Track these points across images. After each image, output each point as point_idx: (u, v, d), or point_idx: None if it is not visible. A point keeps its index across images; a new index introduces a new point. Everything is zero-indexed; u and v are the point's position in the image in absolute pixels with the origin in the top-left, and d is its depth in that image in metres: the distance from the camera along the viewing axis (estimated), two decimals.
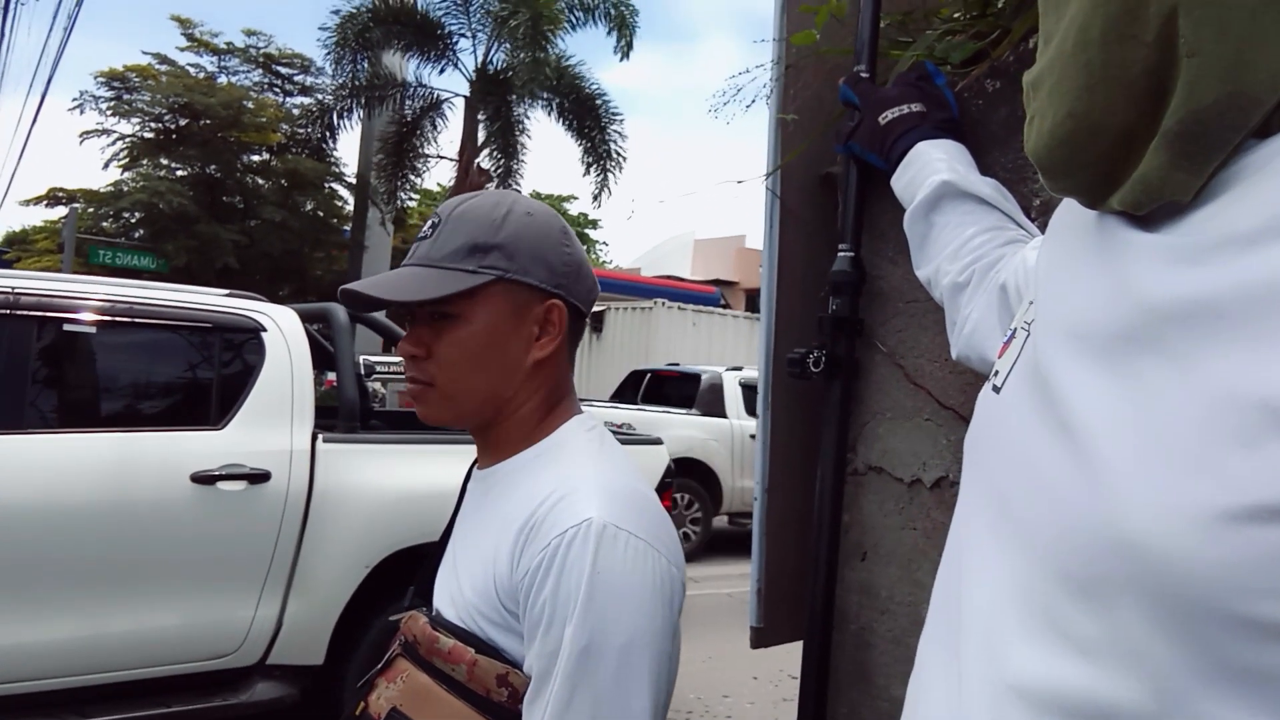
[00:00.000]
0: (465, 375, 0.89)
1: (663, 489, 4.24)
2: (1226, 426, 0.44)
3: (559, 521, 0.81)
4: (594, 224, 37.25)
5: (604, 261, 35.96)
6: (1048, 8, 0.58)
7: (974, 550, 0.62)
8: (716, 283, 24.51)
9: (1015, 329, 0.66)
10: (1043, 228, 1.06)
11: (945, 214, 1.08)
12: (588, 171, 15.83)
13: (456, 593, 0.90)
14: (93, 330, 3.18)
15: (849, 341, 1.29)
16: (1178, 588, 0.45)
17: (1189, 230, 0.51)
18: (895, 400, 1.28)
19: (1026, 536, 0.55)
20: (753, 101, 1.43)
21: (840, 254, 1.29)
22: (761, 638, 1.43)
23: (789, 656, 1.49)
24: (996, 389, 0.65)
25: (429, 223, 0.93)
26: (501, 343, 0.89)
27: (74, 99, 17.17)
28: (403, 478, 3.43)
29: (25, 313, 3.00)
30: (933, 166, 1.11)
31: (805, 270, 1.42)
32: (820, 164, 1.46)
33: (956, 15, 1.32)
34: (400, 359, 0.99)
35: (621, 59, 15.51)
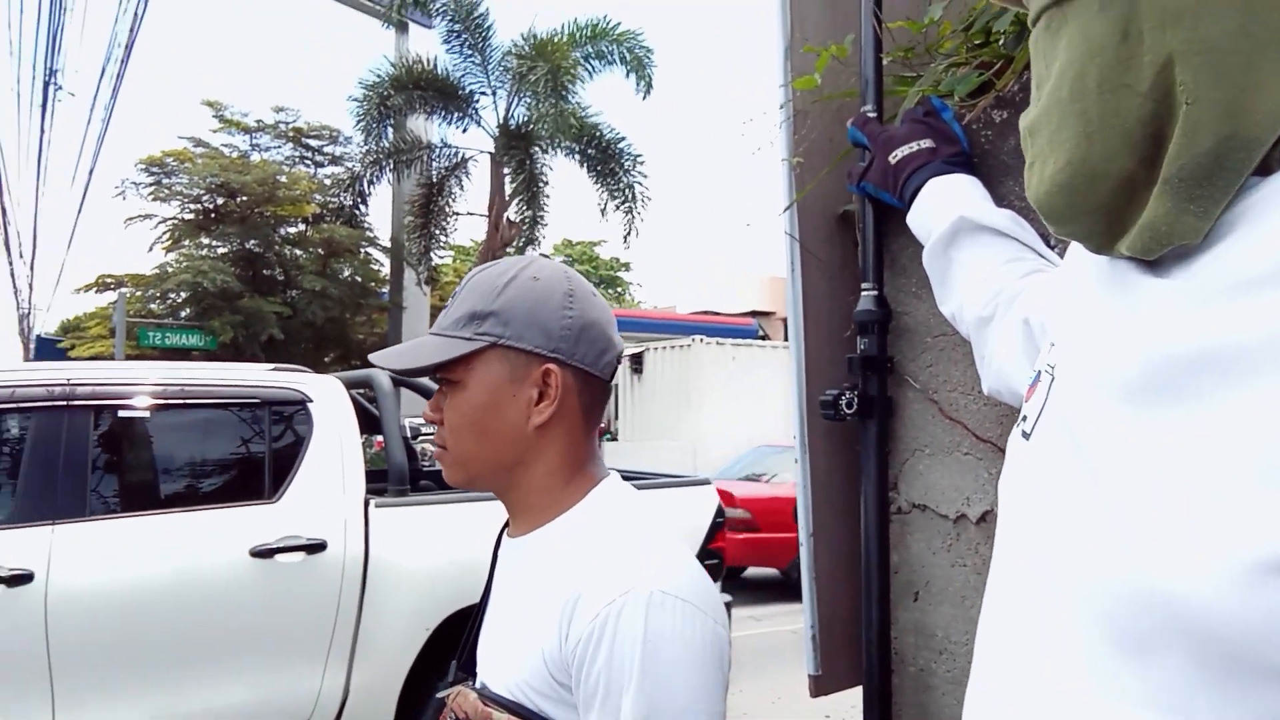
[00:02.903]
0: (468, 440, 0.92)
1: (714, 529, 4.22)
2: (1253, 475, 0.44)
3: (605, 590, 0.81)
4: (625, 266, 37.50)
5: (638, 302, 36.09)
6: (1037, 53, 0.59)
7: (1014, 599, 0.61)
8: (753, 314, 24.46)
9: (1039, 372, 0.66)
10: (1063, 254, 1.06)
11: (964, 248, 1.08)
12: (603, 214, 16.02)
13: (502, 665, 0.90)
14: (147, 414, 3.27)
15: (880, 380, 1.28)
16: (1219, 642, 0.44)
17: (1198, 274, 0.51)
18: (932, 436, 1.27)
19: (1066, 589, 0.55)
20: (759, 149, 1.45)
21: (864, 293, 1.30)
22: (820, 685, 1.41)
23: (860, 693, 1.46)
24: (1026, 435, 0.64)
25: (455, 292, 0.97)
26: (498, 408, 0.90)
27: (116, 187, 17.79)
28: (456, 536, 3.46)
29: (82, 403, 3.10)
30: (947, 201, 1.11)
31: (830, 310, 1.43)
32: (836, 203, 1.46)
33: (959, 47, 1.33)
34: None
35: (644, 98, 15.74)
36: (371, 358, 0.97)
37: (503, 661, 0.90)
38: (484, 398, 0.91)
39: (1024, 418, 0.66)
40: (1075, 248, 0.69)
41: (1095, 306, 0.60)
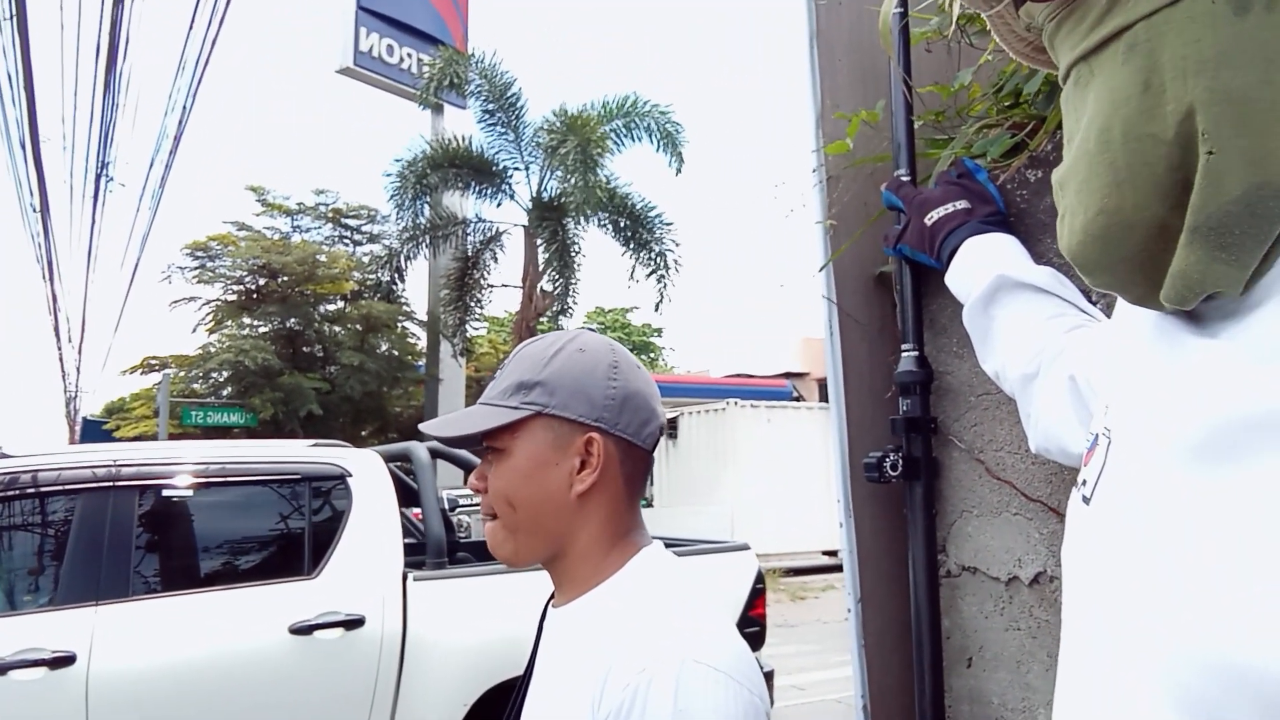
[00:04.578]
0: (512, 506, 0.92)
1: (754, 595, 4.14)
2: None
3: (636, 659, 0.80)
4: (658, 332, 37.70)
5: (671, 367, 36.17)
6: (1068, 109, 0.59)
7: (1083, 667, 0.60)
8: (786, 375, 24.38)
9: (1096, 435, 0.64)
10: (1106, 309, 1.05)
11: (1004, 306, 1.07)
12: (631, 278, 16.15)
13: None
14: (190, 493, 3.31)
15: (925, 441, 1.27)
16: None
17: (1249, 333, 0.50)
18: (980, 496, 1.25)
19: (1133, 656, 0.53)
20: (792, 211, 1.46)
21: (904, 353, 1.29)
22: None
23: None
24: (1086, 499, 0.63)
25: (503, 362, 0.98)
26: (542, 476, 0.91)
27: (163, 271, 18.35)
28: (494, 609, 3.43)
29: (126, 483, 3.15)
30: (985, 260, 1.11)
31: (870, 372, 1.42)
32: (872, 265, 1.47)
33: (990, 109, 1.35)
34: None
35: (677, 173, 15.94)
36: (421, 427, 0.98)
37: None
38: (528, 465, 0.91)
39: (1083, 481, 0.65)
40: (1122, 307, 0.68)
41: (1148, 368, 0.59)
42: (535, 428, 0.91)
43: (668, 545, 0.98)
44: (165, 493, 3.25)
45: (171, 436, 15.70)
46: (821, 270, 1.43)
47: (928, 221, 1.19)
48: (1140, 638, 0.52)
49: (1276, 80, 0.46)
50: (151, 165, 9.04)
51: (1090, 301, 1.06)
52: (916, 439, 1.27)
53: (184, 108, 7.42)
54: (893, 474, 1.25)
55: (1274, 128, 0.47)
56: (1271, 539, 0.45)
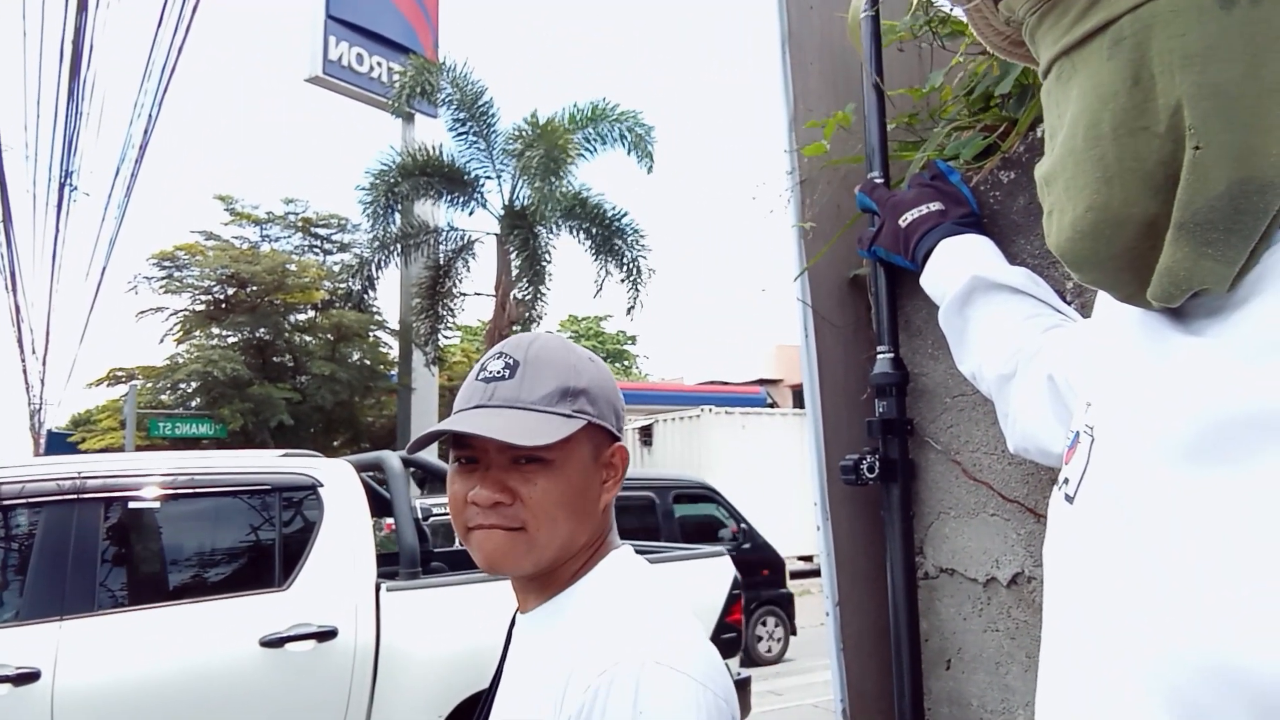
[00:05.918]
0: (557, 520, 0.86)
1: (730, 602, 4.14)
2: None
3: (598, 661, 0.79)
4: (632, 339, 37.70)
5: (645, 374, 36.17)
6: (1050, 104, 0.59)
7: (1068, 668, 0.59)
8: (760, 382, 24.47)
9: (1077, 433, 0.64)
10: (1082, 309, 1.05)
11: (979, 307, 1.07)
12: (599, 288, 16.16)
13: None
14: (157, 505, 3.25)
15: (901, 443, 1.27)
16: None
17: (1237, 331, 0.50)
18: (957, 498, 1.25)
19: (1121, 657, 0.53)
20: (771, 212, 1.46)
21: (880, 355, 1.29)
22: None
23: None
24: (1069, 498, 0.62)
25: (500, 362, 0.90)
26: (588, 487, 0.89)
27: (129, 282, 18.06)
28: (468, 619, 3.40)
29: (92, 496, 3.08)
30: (960, 261, 1.11)
31: (846, 374, 1.42)
32: (846, 268, 1.47)
33: (961, 112, 1.35)
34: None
35: (648, 171, 15.97)
36: (460, 425, 0.85)
37: None
38: (579, 478, 0.88)
39: (1065, 480, 0.64)
40: (1102, 306, 0.68)
41: (1132, 366, 0.59)
42: (581, 438, 0.88)
43: (644, 552, 0.97)
44: (132, 505, 3.19)
45: (139, 448, 15.45)
46: (799, 277, 1.42)
47: (902, 223, 1.19)
48: (1127, 638, 0.52)
49: (1261, 74, 0.46)
50: (117, 174, 8.91)
51: (1065, 301, 1.07)
52: (893, 441, 1.27)
53: (150, 115, 7.32)
54: (869, 476, 1.25)
55: (1259, 123, 0.46)
56: (1262, 539, 0.44)
